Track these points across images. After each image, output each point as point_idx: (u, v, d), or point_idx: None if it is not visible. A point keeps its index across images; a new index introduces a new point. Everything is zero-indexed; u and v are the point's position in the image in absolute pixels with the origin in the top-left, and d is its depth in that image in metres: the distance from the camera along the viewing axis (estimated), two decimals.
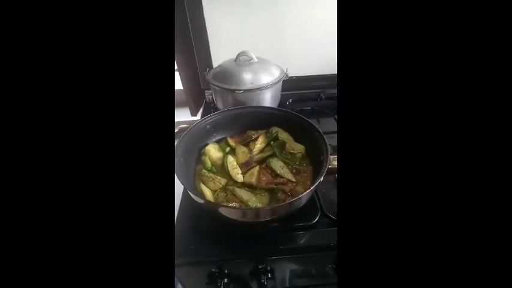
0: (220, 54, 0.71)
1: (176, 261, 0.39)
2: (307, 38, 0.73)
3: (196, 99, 0.81)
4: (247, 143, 0.51)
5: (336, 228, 0.42)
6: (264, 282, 0.39)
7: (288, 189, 0.42)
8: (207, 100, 0.75)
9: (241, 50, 0.60)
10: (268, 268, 0.40)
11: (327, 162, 0.40)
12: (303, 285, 0.45)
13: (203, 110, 0.75)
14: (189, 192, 0.39)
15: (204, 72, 0.66)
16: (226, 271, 0.41)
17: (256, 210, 0.40)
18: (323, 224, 0.42)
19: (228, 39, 0.70)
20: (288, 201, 0.38)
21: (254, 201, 0.41)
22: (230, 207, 0.40)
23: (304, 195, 0.37)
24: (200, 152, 0.51)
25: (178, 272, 0.41)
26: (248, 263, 0.41)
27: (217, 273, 0.41)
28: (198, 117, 0.89)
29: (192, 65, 0.76)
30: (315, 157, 0.47)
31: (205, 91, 0.74)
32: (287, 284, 0.44)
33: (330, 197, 0.47)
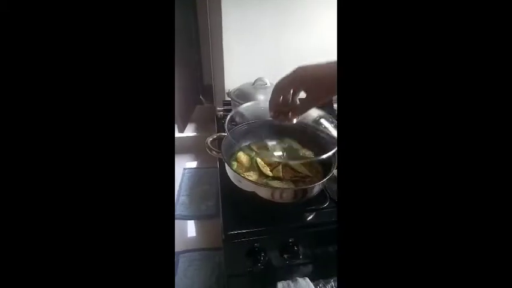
0: (232, 79, 0.86)
1: (223, 237, 0.49)
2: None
3: (184, 117, 0.91)
4: (268, 148, 0.65)
5: None
6: (295, 250, 0.51)
7: (307, 180, 0.56)
8: (218, 116, 0.87)
9: (251, 76, 0.76)
10: (296, 241, 0.53)
11: (336, 159, 0.56)
12: (322, 252, 0.58)
13: (217, 125, 0.86)
14: (237, 180, 0.51)
15: (210, 91, 0.78)
16: (263, 246, 0.52)
17: (288, 190, 0.52)
18: (331, 207, 0.58)
19: (240, 67, 0.86)
20: (310, 186, 0.52)
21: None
22: (271, 186, 0.52)
23: (321, 183, 0.52)
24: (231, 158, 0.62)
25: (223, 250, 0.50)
26: (279, 237, 0.52)
27: (257, 249, 0.51)
28: (185, 134, 0.97)
29: (181, 86, 0.85)
30: (321, 158, 0.63)
31: (217, 108, 0.87)
32: (309, 252, 0.56)
33: (333, 189, 0.63)
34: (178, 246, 0.75)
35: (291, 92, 0.45)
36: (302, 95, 0.46)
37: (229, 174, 0.54)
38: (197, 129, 1.10)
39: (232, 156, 0.62)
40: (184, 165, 1.05)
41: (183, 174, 1.03)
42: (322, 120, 0.61)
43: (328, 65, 0.41)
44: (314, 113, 0.59)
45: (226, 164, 0.53)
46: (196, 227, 0.82)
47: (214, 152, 0.57)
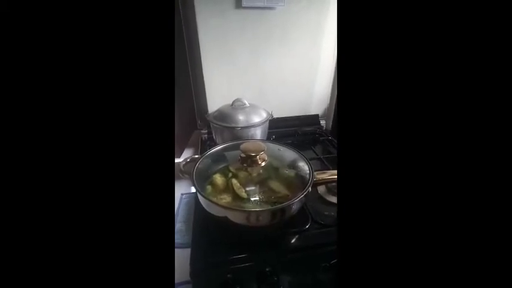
0: (214, 102, 0.86)
1: (190, 270, 0.45)
2: (283, 87, 0.92)
3: (180, 143, 0.91)
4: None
5: (324, 230, 0.52)
6: (275, 280, 0.46)
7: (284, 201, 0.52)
8: (203, 139, 0.87)
9: (232, 99, 0.76)
10: (274, 270, 0.48)
11: (311, 177, 0.52)
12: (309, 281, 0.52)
13: (201, 147, 0.85)
14: (207, 204, 0.48)
15: (203, 116, 0.79)
16: (237, 278, 0.47)
17: (264, 211, 0.48)
18: (314, 229, 0.52)
19: (220, 90, 0.86)
20: (287, 203, 0.48)
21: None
22: (239, 210, 0.48)
23: (298, 199, 0.48)
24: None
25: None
26: (253, 266, 0.48)
27: (230, 281, 0.47)
28: (181, 159, 0.98)
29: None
30: (302, 176, 0.59)
31: (201, 131, 0.87)
32: (292, 282, 0.51)
33: (316, 209, 0.58)
34: (176, 277, 0.71)
35: None
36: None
37: (200, 199, 0.51)
38: (195, 154, 1.09)
39: (207, 179, 0.60)
40: (181, 191, 1.04)
41: (181, 200, 1.01)
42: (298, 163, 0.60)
43: None
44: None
45: (196, 189, 0.51)
46: None
47: (186, 176, 0.55)
